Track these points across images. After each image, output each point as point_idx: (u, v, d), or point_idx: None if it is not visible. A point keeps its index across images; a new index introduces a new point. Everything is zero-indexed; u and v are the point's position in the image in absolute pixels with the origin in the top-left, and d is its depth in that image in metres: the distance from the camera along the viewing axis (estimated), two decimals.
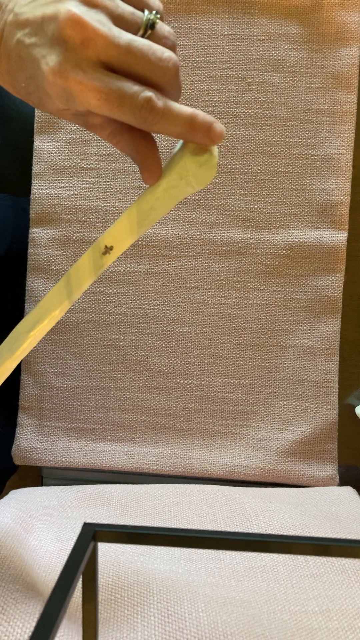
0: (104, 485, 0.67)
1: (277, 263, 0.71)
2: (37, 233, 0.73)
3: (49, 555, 0.52)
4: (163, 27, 0.38)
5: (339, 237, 0.71)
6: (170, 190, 0.41)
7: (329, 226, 0.71)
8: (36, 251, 0.73)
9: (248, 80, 0.70)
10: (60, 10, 0.35)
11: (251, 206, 0.71)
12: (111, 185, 0.72)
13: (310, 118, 0.70)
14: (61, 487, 0.67)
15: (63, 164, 0.72)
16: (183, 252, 0.72)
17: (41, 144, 0.72)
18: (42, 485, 0.76)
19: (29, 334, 0.41)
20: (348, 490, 0.68)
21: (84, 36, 0.35)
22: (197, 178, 0.40)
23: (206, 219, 0.72)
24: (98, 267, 0.41)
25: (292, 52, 0.69)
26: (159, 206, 0.41)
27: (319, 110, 0.70)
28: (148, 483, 0.68)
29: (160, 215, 0.41)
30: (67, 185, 0.72)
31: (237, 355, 0.72)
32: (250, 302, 0.72)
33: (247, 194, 0.71)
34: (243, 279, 0.72)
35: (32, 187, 0.73)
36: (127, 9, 0.37)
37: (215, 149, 0.40)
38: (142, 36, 0.37)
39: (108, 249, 0.41)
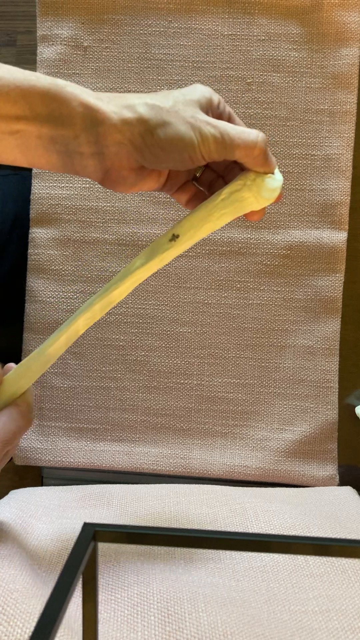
0: (104, 485, 0.67)
1: (277, 263, 0.71)
2: (37, 233, 0.73)
3: (49, 555, 0.52)
4: None
5: (339, 237, 0.71)
6: (234, 194, 0.47)
7: (329, 226, 0.71)
8: (36, 251, 0.73)
9: (248, 81, 0.70)
10: None
11: None
12: None
13: (310, 118, 0.70)
14: (61, 487, 0.67)
15: None
16: (183, 252, 0.72)
17: None
18: (42, 485, 0.76)
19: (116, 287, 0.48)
20: (348, 490, 0.68)
21: None
22: (258, 185, 0.46)
23: None
24: (163, 250, 0.47)
25: (292, 52, 0.69)
26: (223, 207, 0.47)
27: (319, 110, 0.70)
28: (148, 483, 0.68)
29: (225, 215, 0.47)
30: (67, 185, 0.72)
31: (237, 355, 0.72)
32: (250, 302, 0.72)
33: None
34: (243, 279, 0.72)
35: (32, 187, 0.73)
36: None
37: (277, 174, 0.48)
38: None
39: (175, 237, 0.47)
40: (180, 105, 0.43)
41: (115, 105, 0.43)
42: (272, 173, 0.47)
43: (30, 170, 0.75)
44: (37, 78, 0.41)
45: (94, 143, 0.42)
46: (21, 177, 0.76)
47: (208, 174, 0.50)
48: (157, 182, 0.48)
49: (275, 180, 0.47)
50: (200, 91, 0.45)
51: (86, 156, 0.43)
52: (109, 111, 0.42)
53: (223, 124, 0.44)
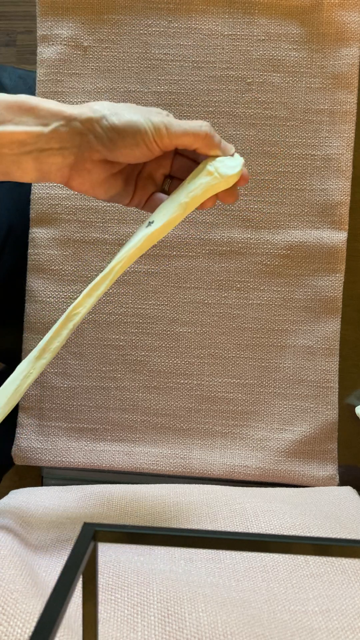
0: (104, 485, 0.67)
1: (277, 263, 0.71)
2: (37, 233, 0.73)
3: (49, 555, 0.52)
4: None
5: (339, 237, 0.71)
6: (198, 176, 0.51)
7: (329, 226, 0.71)
8: (36, 251, 0.73)
9: (248, 81, 0.70)
10: None
11: (251, 206, 0.71)
12: None
13: (310, 118, 0.70)
14: (61, 487, 0.67)
15: None
16: (183, 252, 0.72)
17: None
18: (42, 485, 0.76)
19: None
20: (348, 490, 0.68)
21: None
22: (217, 164, 0.51)
23: (206, 219, 0.72)
24: (141, 237, 0.51)
25: (292, 52, 0.69)
26: (191, 189, 0.51)
27: (319, 110, 0.70)
28: (148, 483, 0.68)
29: (196, 198, 0.51)
30: None
31: (237, 355, 0.72)
32: (250, 302, 0.72)
33: (247, 194, 0.71)
34: (243, 279, 0.72)
35: (32, 187, 0.73)
36: None
37: (236, 156, 0.52)
38: None
39: (150, 223, 0.51)
40: (134, 106, 0.49)
41: (78, 107, 0.48)
42: (231, 156, 0.52)
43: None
44: (3, 96, 0.47)
45: (58, 138, 0.47)
46: (14, 183, 0.76)
47: (176, 185, 0.53)
48: (122, 188, 0.52)
49: (235, 159, 0.51)
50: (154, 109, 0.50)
51: (54, 152, 0.47)
52: (71, 110, 0.48)
53: (171, 117, 0.50)
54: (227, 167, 0.50)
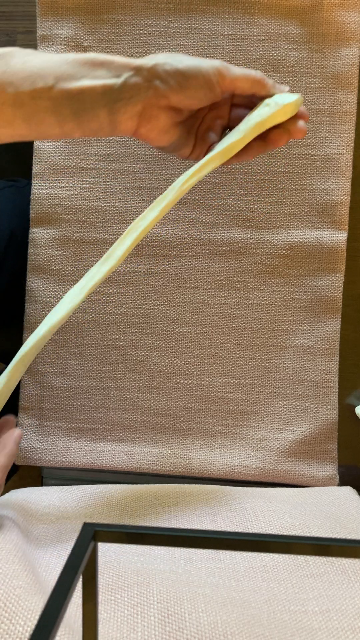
0: (104, 485, 0.67)
1: (277, 263, 0.71)
2: (37, 233, 0.73)
3: (49, 555, 0.53)
4: None
5: (339, 237, 0.71)
6: (258, 110, 0.53)
7: (329, 226, 0.71)
8: (36, 251, 0.73)
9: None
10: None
11: (251, 206, 0.71)
12: (111, 185, 0.72)
13: (310, 118, 0.70)
14: (61, 487, 0.67)
15: (63, 164, 0.72)
16: (183, 252, 0.72)
17: (41, 144, 0.72)
18: (42, 485, 0.76)
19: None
20: (348, 490, 0.68)
21: None
22: (275, 99, 0.53)
23: (206, 219, 0.72)
24: (206, 158, 0.54)
25: (292, 52, 0.69)
26: (247, 117, 0.54)
27: (319, 110, 0.70)
28: (148, 483, 0.68)
29: (253, 129, 0.53)
30: (67, 185, 0.72)
31: (237, 355, 0.72)
32: (250, 302, 0.72)
33: (247, 194, 0.71)
34: (243, 279, 0.72)
35: (32, 187, 0.73)
36: None
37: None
38: None
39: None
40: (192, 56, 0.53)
41: (142, 59, 0.51)
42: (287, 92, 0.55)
43: (26, 179, 0.75)
44: (74, 54, 0.50)
45: (129, 88, 0.50)
46: (16, 188, 0.75)
47: None
48: (185, 137, 0.56)
49: (292, 94, 0.54)
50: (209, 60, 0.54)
51: (125, 102, 0.50)
52: (139, 61, 0.51)
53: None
54: (283, 98, 0.53)
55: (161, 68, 0.50)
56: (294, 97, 0.53)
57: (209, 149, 0.56)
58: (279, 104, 0.53)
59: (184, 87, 0.51)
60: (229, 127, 0.57)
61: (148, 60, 0.51)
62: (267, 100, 0.53)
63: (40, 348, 0.53)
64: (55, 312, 0.53)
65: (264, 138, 0.55)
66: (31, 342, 0.52)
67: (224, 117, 0.57)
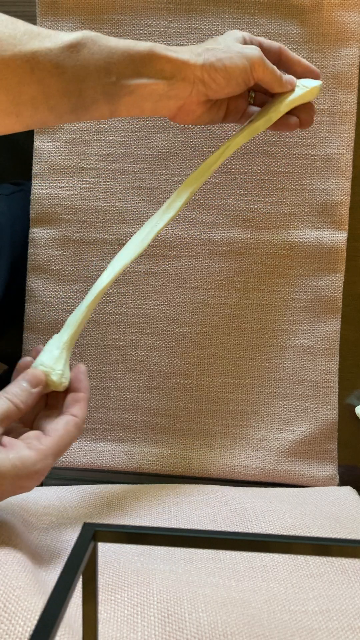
0: (104, 485, 0.67)
1: (277, 263, 0.71)
2: (37, 233, 0.73)
3: (49, 555, 0.53)
4: None
5: (339, 237, 0.71)
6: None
7: (329, 226, 0.71)
8: (36, 251, 0.73)
9: None
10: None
11: (251, 206, 0.71)
12: (111, 185, 0.72)
13: None
14: (61, 487, 0.67)
15: (63, 164, 0.72)
16: (183, 252, 0.72)
17: (41, 144, 0.72)
18: (42, 485, 0.76)
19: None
20: (348, 490, 0.68)
21: None
22: (303, 82, 0.61)
23: (206, 219, 0.72)
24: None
25: (292, 52, 0.69)
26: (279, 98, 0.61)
27: (319, 110, 0.70)
28: (148, 483, 0.68)
29: (285, 98, 0.61)
30: (67, 185, 0.72)
31: (237, 356, 0.72)
32: (250, 302, 0.72)
33: (247, 194, 0.71)
34: (243, 279, 0.72)
35: (32, 187, 0.73)
36: None
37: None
38: None
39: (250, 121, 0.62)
40: (229, 42, 0.56)
41: (188, 52, 0.54)
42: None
43: (27, 180, 0.74)
44: (135, 44, 0.52)
45: (176, 88, 0.54)
46: (24, 193, 0.75)
47: (259, 98, 0.63)
48: (217, 115, 0.60)
49: (316, 80, 0.62)
50: (235, 32, 0.58)
51: (170, 99, 0.55)
52: (194, 59, 0.54)
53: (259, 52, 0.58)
54: (309, 82, 0.61)
55: (212, 67, 0.54)
56: (319, 82, 0.62)
57: (243, 113, 0.62)
58: (307, 86, 0.61)
59: (228, 82, 0.55)
60: (255, 90, 0.62)
61: (202, 56, 0.54)
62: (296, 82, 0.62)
63: (110, 286, 0.58)
64: (121, 256, 0.58)
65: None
66: (106, 279, 0.57)
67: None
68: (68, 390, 0.55)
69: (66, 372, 0.55)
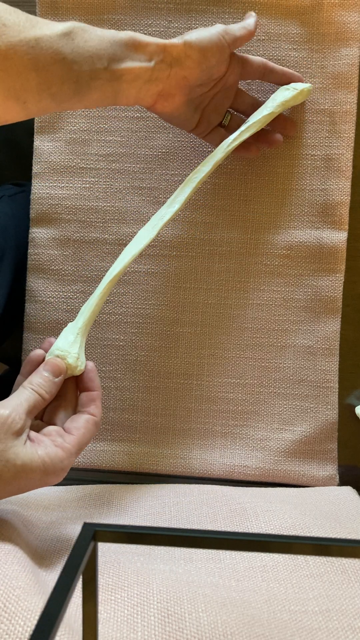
0: (104, 485, 0.67)
1: (277, 263, 0.71)
2: (37, 233, 0.73)
3: (49, 555, 0.53)
4: None
5: (339, 237, 0.71)
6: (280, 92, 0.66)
7: (329, 226, 0.71)
8: (36, 251, 0.73)
9: (248, 80, 0.70)
10: None
11: (251, 206, 0.71)
12: (111, 185, 0.72)
13: (310, 118, 0.70)
14: (61, 487, 0.67)
15: (63, 164, 0.72)
16: (183, 252, 0.72)
17: (41, 144, 0.72)
18: None
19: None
20: (348, 490, 0.68)
21: None
22: (293, 85, 0.66)
23: (206, 219, 0.72)
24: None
25: (292, 52, 0.69)
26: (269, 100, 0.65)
27: (319, 110, 0.70)
28: (148, 483, 0.68)
29: (276, 100, 0.65)
30: (67, 185, 0.72)
31: (237, 355, 0.72)
32: (250, 302, 0.72)
33: (247, 194, 0.71)
34: (243, 279, 0.72)
35: (32, 187, 0.73)
36: None
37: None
38: None
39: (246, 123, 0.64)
40: (203, 27, 0.61)
41: (175, 39, 0.58)
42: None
43: (27, 180, 0.74)
44: (117, 32, 0.54)
45: (158, 70, 0.56)
46: (26, 194, 0.75)
47: (236, 120, 0.66)
48: (193, 115, 0.63)
49: (305, 83, 0.67)
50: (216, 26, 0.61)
51: (152, 82, 0.56)
52: (172, 42, 0.57)
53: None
54: (299, 85, 0.65)
55: (189, 44, 0.57)
56: (308, 85, 0.66)
57: (212, 130, 0.65)
58: (297, 88, 0.65)
59: (204, 55, 0.58)
60: (234, 109, 0.66)
61: (183, 38, 0.57)
62: (286, 86, 0.65)
63: (121, 275, 0.61)
64: (132, 246, 0.61)
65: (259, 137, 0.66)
66: (118, 268, 0.59)
67: (230, 99, 0.65)
68: (79, 386, 0.56)
69: (82, 356, 0.56)
